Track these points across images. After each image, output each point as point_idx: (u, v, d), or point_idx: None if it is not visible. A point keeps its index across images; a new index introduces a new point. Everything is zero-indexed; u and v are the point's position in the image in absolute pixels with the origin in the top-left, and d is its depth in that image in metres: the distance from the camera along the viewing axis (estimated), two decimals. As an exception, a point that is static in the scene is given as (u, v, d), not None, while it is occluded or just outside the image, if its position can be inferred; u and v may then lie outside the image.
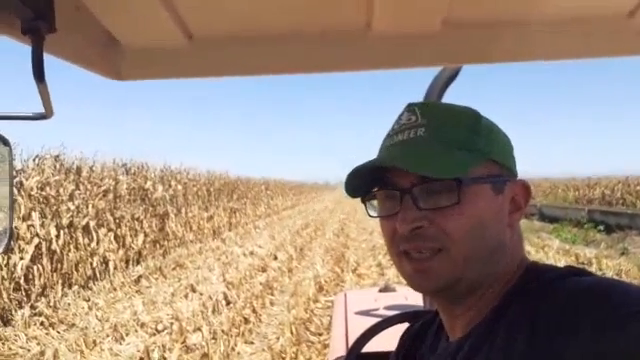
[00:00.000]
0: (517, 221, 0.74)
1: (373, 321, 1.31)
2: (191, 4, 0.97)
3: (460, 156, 0.70)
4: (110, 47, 1.08)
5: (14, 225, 0.95)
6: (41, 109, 0.86)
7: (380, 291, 3.15)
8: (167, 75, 1.15)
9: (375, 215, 0.76)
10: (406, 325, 1.09)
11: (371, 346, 1.26)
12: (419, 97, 1.51)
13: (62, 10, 0.79)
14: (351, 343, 1.31)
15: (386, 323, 1.25)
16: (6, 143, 0.96)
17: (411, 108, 0.75)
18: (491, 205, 0.70)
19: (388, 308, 2.46)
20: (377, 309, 2.59)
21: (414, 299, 2.46)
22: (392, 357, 0.94)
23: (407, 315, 1.17)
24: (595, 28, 1.01)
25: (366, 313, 2.54)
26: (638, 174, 29.99)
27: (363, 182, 0.76)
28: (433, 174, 0.67)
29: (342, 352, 2.02)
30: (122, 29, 1.04)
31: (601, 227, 16.33)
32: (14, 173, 1.03)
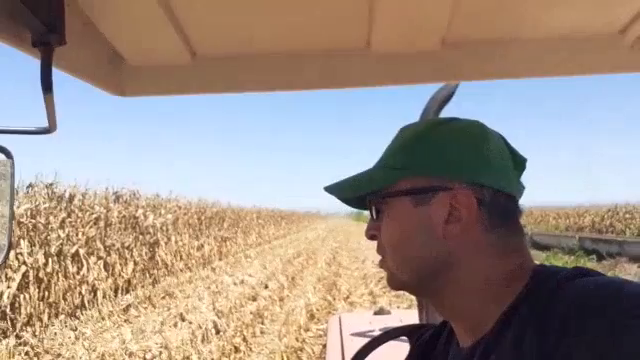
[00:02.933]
0: (457, 232, 0.71)
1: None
2: (195, 23, 1.00)
3: (379, 175, 0.78)
4: (115, 63, 1.10)
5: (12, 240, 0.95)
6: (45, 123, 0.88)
7: (375, 314, 3.13)
8: (170, 92, 1.17)
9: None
10: (404, 340, 1.09)
11: (370, 362, 1.25)
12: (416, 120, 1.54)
13: (69, 25, 0.81)
14: None
15: (387, 336, 1.25)
16: (9, 156, 0.96)
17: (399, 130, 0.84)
18: (411, 217, 0.74)
19: (384, 330, 2.44)
20: (373, 330, 2.56)
21: (409, 321, 2.44)
22: None
23: (407, 328, 1.16)
24: (588, 45, 1.05)
25: (362, 334, 2.51)
26: (625, 203, 30.33)
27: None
28: (339, 195, 0.82)
29: None
30: (127, 46, 1.06)
31: (592, 255, 16.40)
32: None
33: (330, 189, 0.83)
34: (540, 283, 0.68)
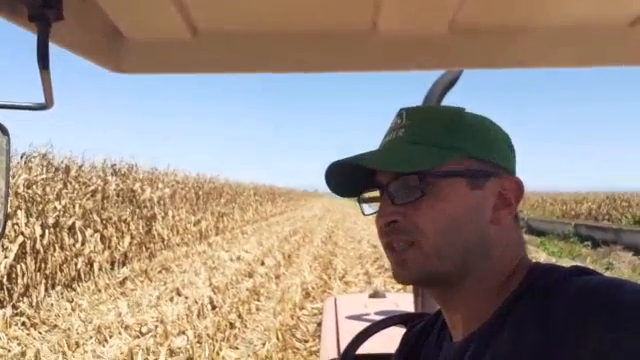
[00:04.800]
0: (506, 217, 0.73)
1: (364, 325, 1.30)
2: None
3: (427, 152, 0.72)
4: (113, 39, 1.07)
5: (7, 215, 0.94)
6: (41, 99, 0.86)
7: (370, 297, 3.15)
8: (169, 70, 1.14)
9: (367, 213, 0.81)
10: (400, 327, 1.09)
11: (365, 348, 1.26)
12: (418, 103, 1.52)
13: None
14: (342, 346, 1.30)
15: (382, 324, 1.25)
16: (5, 132, 0.94)
17: (400, 112, 0.79)
18: (466, 200, 0.71)
19: (379, 313, 2.45)
20: (368, 314, 2.58)
21: (404, 305, 2.46)
22: (394, 358, 0.93)
23: (405, 317, 1.16)
24: (597, 37, 1.03)
25: (357, 317, 2.53)
26: (622, 190, 30.46)
27: (351, 181, 0.80)
28: (393, 169, 0.72)
29: (334, 355, 2.02)
30: (126, 21, 1.03)
31: (587, 242, 16.51)
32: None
33: (363, 159, 0.73)
34: (538, 279, 0.67)
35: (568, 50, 1.06)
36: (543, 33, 1.03)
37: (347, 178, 0.79)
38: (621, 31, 1.03)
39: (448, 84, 1.46)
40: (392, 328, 1.24)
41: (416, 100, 1.55)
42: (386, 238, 0.74)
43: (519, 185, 0.74)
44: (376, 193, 0.78)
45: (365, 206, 0.81)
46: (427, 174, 0.70)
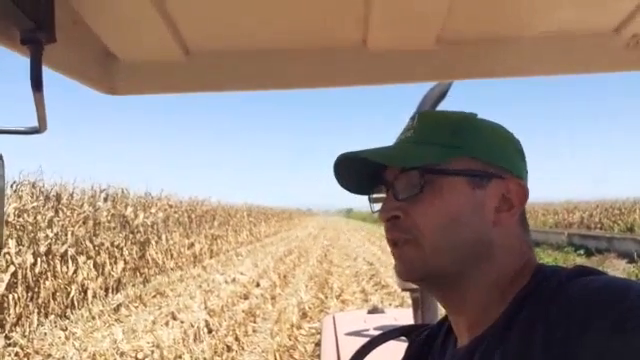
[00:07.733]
0: (508, 220, 0.73)
1: (364, 341, 1.29)
2: (189, 19, 0.98)
3: (430, 150, 0.73)
4: (106, 61, 1.08)
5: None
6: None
7: (369, 313, 3.13)
8: (163, 90, 1.15)
9: (375, 211, 0.81)
10: (402, 340, 1.08)
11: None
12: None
13: (59, 23, 0.79)
14: None
15: (384, 337, 1.24)
16: (-2, 156, 0.94)
17: (414, 116, 0.81)
18: (467, 199, 0.71)
19: (378, 329, 2.43)
20: (367, 330, 2.56)
21: (404, 320, 2.44)
22: None
23: (407, 328, 1.16)
24: (582, 44, 1.05)
25: (357, 334, 2.51)
26: (614, 199, 30.67)
27: (361, 177, 0.81)
28: (390, 162, 0.75)
29: None
30: (119, 43, 1.04)
31: (581, 250, 16.56)
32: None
33: (368, 153, 0.75)
34: (543, 281, 0.67)
35: (555, 58, 1.07)
36: (530, 42, 1.05)
37: (356, 173, 0.80)
38: (606, 37, 1.05)
39: (438, 96, 1.48)
40: (394, 342, 1.23)
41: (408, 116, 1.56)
42: (389, 234, 0.75)
43: (524, 189, 0.74)
44: (384, 195, 0.79)
45: (374, 205, 0.83)
46: (427, 171, 0.71)
